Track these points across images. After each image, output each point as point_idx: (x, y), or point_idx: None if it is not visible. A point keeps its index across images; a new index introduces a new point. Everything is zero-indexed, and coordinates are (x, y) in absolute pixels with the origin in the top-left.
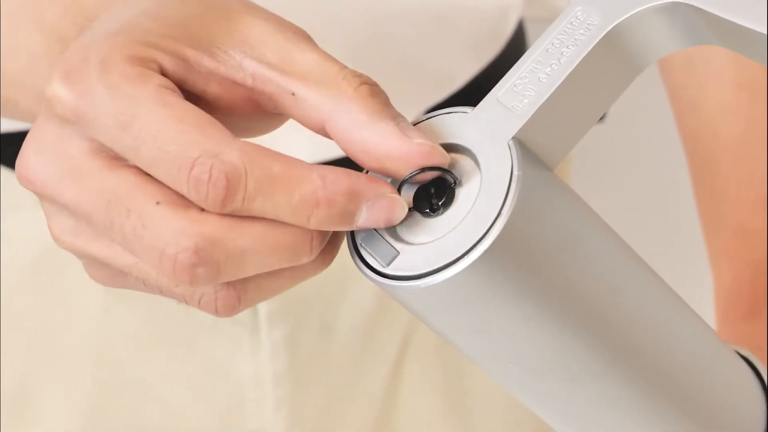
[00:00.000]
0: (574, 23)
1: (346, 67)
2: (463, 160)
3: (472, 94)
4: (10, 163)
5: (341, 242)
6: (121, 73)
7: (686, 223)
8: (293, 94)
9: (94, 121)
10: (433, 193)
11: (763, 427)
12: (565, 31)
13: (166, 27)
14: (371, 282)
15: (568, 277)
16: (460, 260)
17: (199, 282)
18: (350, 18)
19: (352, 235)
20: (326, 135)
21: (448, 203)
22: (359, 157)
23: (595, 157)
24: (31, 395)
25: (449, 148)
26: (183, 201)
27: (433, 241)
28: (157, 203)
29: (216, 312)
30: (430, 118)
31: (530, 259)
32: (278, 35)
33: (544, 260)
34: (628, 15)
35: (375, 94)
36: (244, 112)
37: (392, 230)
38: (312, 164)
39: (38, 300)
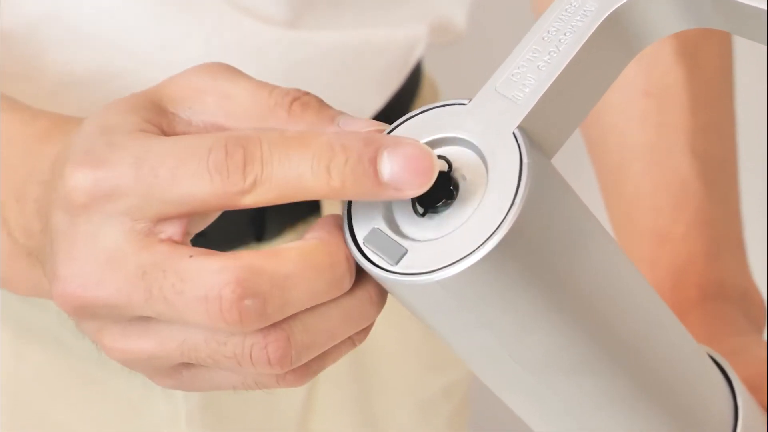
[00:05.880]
0: (569, 10)
1: (276, 88)
2: (464, 153)
3: None
4: None
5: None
6: (127, 133)
7: None
8: None
9: (121, 185)
10: (436, 191)
11: (731, 426)
12: (560, 18)
13: (143, 104)
14: (379, 280)
15: (577, 265)
16: (476, 252)
17: (249, 317)
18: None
19: (352, 235)
20: None
21: (451, 199)
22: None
23: None
24: None
25: (449, 141)
26: (215, 251)
27: (442, 237)
28: (191, 257)
29: (269, 362)
30: (425, 111)
31: (543, 247)
32: (205, 77)
33: (556, 248)
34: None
35: (305, 107)
36: None
37: (397, 229)
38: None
39: None
